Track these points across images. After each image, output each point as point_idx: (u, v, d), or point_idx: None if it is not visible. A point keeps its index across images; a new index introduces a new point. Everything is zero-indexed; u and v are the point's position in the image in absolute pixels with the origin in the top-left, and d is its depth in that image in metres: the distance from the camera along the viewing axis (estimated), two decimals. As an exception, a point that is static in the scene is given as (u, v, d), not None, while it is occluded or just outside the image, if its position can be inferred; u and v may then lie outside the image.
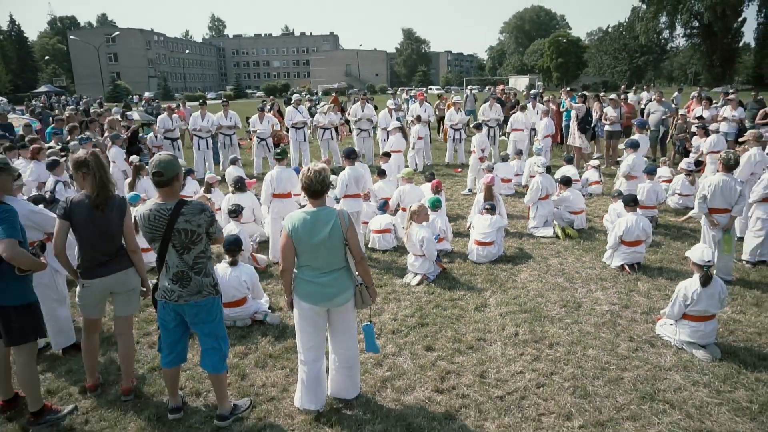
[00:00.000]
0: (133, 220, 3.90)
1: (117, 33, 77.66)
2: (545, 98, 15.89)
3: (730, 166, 5.77)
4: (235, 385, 4.24)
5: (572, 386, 4.12)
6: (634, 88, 21.95)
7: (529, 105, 13.75)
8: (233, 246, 5.36)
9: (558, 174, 8.94)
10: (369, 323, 3.98)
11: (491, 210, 7.10)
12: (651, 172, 8.10)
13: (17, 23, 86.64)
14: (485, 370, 4.40)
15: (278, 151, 7.23)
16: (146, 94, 74.19)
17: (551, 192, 8.16)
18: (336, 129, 14.11)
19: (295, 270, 3.66)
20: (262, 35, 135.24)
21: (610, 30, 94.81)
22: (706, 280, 4.45)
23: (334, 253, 3.56)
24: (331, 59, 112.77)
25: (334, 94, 26.50)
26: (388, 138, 12.60)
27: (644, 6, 76.29)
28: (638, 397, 3.97)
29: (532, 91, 16.30)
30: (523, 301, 5.67)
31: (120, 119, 13.44)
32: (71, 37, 77.99)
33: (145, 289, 4.08)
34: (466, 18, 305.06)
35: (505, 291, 5.98)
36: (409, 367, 4.46)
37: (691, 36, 78.48)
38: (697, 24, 74.21)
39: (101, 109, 17.80)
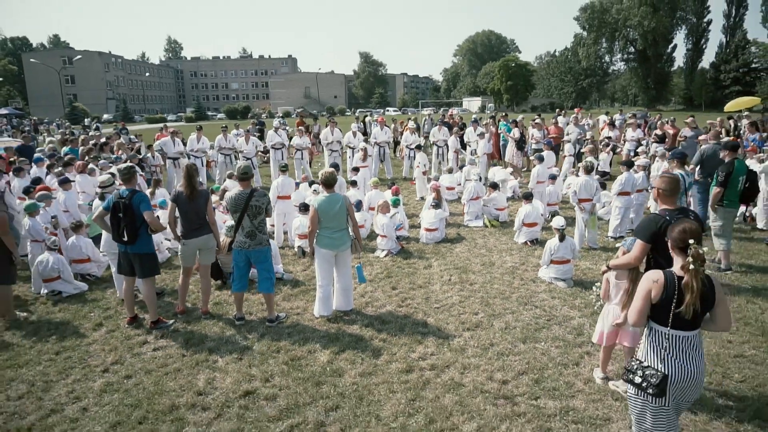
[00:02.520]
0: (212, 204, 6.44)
1: (79, 57, 78.05)
2: (484, 122, 18.93)
3: (589, 170, 8.71)
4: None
5: (481, 301, 6.84)
6: (564, 112, 25.36)
7: (470, 128, 16.69)
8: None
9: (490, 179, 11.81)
10: (359, 264, 6.63)
11: (436, 206, 9.83)
12: (553, 178, 11.04)
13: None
14: (428, 296, 7.07)
15: (283, 164, 9.85)
16: (105, 116, 74.86)
17: (481, 195, 10.97)
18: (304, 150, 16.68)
19: (318, 230, 6.26)
20: (221, 57, 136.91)
21: (557, 54, 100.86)
22: (561, 237, 7.28)
23: (341, 220, 6.20)
24: (290, 82, 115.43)
25: (298, 117, 29.04)
26: (353, 155, 15.25)
27: (585, 33, 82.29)
28: (518, 304, 6.72)
29: (473, 116, 19.33)
30: (456, 263, 8.40)
31: (125, 142, 15.69)
32: (31, 60, 78.10)
33: (218, 249, 6.61)
34: (421, 41, 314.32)
35: (444, 258, 8.70)
36: (381, 297, 7.10)
37: (628, 60, 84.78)
38: (633, 50, 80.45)
39: (112, 132, 19.92)
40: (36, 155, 12.16)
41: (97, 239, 8.28)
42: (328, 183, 6.20)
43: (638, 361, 3.44)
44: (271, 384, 5.02)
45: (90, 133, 21.13)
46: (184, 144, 15.51)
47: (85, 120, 57.12)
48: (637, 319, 3.37)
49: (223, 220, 8.22)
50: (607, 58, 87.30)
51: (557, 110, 25.63)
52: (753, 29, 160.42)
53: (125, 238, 5.97)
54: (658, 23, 70.03)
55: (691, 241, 3.18)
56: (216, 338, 6.00)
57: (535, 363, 5.27)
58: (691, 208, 9.93)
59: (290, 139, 17.26)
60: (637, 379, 3.35)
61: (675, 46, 78.29)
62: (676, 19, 74.31)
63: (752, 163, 10.97)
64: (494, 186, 11.23)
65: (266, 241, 6.20)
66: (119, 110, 79.83)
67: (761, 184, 10.08)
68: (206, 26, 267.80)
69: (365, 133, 20.22)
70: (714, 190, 7.56)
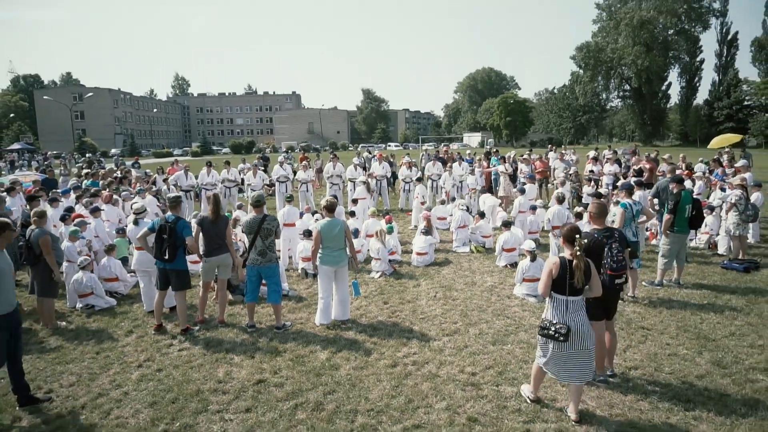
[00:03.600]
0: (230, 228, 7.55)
1: (90, 94, 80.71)
2: (478, 158, 20.19)
3: (560, 200, 9.84)
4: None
5: (461, 313, 7.87)
6: (554, 148, 26.65)
7: (456, 163, 17.92)
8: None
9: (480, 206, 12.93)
10: (355, 280, 7.71)
11: (426, 233, 10.93)
12: (533, 209, 12.16)
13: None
14: (415, 309, 8.11)
15: (289, 195, 11.00)
16: (113, 150, 76.72)
17: (467, 224, 12.08)
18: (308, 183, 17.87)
19: (320, 250, 7.35)
20: (226, 94, 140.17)
21: (555, 91, 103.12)
22: (533, 258, 8.34)
23: (340, 241, 7.29)
24: (294, 117, 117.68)
25: (302, 152, 30.45)
26: (354, 188, 16.42)
27: (581, 71, 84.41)
28: (493, 315, 7.75)
29: (467, 152, 20.58)
30: (442, 282, 9.46)
31: (141, 176, 16.93)
32: (44, 97, 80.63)
33: (234, 265, 7.70)
34: (423, 78, 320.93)
35: (432, 279, 9.75)
36: (374, 310, 8.14)
37: (624, 98, 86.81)
38: (628, 87, 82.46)
39: (128, 167, 21.28)
40: (64, 188, 13.35)
41: (122, 260, 9.39)
42: (330, 208, 7.33)
43: (548, 321, 4.81)
44: (279, 375, 6.03)
45: (107, 168, 22.54)
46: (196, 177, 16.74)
47: (87, 154, 56.44)
48: (544, 290, 4.78)
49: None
50: (603, 96, 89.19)
51: (549, 146, 26.88)
52: (744, 68, 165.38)
53: (166, 257, 7.06)
54: (651, 62, 72.10)
55: (576, 236, 4.61)
56: (231, 341, 7.03)
57: (501, 360, 6.28)
58: (658, 236, 11.05)
59: (295, 173, 18.50)
60: (551, 333, 4.73)
61: (670, 84, 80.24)
62: (669, 58, 76.50)
63: (717, 195, 12.14)
64: (481, 215, 12.34)
65: (275, 259, 7.29)
66: (127, 145, 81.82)
67: (722, 213, 11.21)
68: (213, 64, 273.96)
69: (365, 168, 21.46)
70: (665, 217, 8.65)
